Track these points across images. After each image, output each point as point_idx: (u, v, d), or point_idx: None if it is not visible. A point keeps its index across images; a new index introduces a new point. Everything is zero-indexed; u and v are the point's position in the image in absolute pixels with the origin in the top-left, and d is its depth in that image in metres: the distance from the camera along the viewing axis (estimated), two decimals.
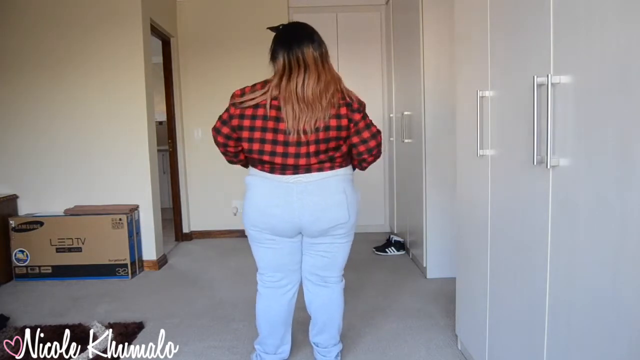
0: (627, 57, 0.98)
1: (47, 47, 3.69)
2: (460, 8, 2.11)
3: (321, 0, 4.72)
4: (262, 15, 4.61)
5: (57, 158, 3.76)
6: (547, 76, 1.24)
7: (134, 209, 3.71)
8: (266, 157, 1.81)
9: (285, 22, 2.17)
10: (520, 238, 1.53)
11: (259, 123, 1.79)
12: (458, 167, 2.22)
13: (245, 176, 1.97)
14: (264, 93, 1.80)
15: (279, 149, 1.79)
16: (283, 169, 1.83)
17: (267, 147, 1.80)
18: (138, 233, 3.75)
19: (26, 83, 3.72)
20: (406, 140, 3.80)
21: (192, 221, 4.87)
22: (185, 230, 4.83)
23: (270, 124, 1.79)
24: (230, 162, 2.03)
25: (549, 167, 1.28)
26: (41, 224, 3.58)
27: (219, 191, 4.76)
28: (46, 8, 3.67)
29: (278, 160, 1.81)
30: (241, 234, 4.79)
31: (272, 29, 1.93)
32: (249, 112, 1.80)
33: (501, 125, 1.68)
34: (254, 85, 1.86)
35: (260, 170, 1.87)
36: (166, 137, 4.79)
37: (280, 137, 1.78)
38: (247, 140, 1.82)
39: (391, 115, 4.49)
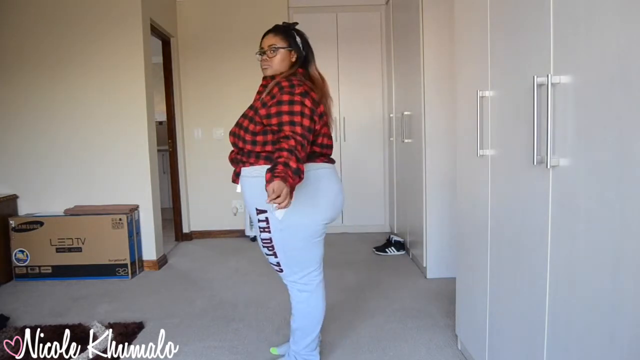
0: (627, 57, 0.98)
1: (47, 47, 3.69)
2: (460, 8, 2.11)
3: (321, 0, 4.72)
4: (262, 16, 4.61)
5: (57, 158, 3.76)
6: (547, 76, 1.24)
7: (134, 209, 3.71)
8: (332, 150, 2.01)
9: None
10: (520, 238, 1.53)
11: (325, 118, 1.95)
12: (458, 167, 2.22)
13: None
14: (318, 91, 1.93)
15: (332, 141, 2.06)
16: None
17: (332, 141, 2.02)
18: (138, 233, 3.75)
19: (26, 83, 3.72)
20: (406, 140, 3.80)
21: (192, 221, 4.87)
22: (185, 230, 4.83)
23: (328, 118, 1.99)
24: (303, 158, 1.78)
25: (549, 167, 1.28)
26: (41, 224, 3.58)
27: (219, 191, 4.76)
28: (46, 8, 3.67)
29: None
30: (241, 234, 4.80)
31: (290, 24, 2.01)
32: (321, 108, 1.92)
33: (501, 125, 1.68)
34: (299, 80, 1.89)
35: (326, 162, 1.97)
36: (166, 137, 4.79)
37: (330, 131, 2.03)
38: (324, 135, 1.95)
39: (391, 115, 4.49)
